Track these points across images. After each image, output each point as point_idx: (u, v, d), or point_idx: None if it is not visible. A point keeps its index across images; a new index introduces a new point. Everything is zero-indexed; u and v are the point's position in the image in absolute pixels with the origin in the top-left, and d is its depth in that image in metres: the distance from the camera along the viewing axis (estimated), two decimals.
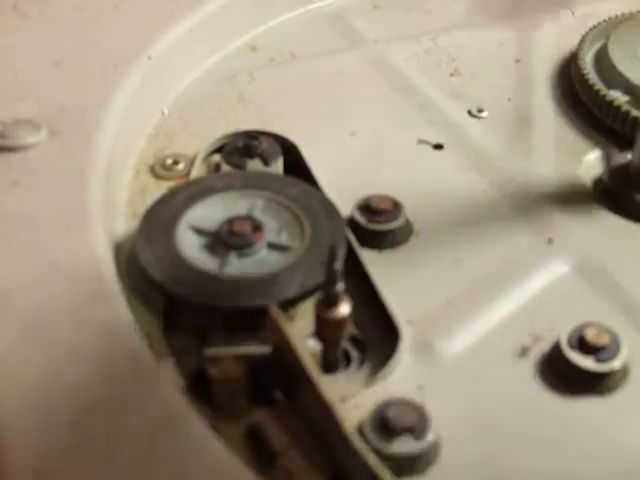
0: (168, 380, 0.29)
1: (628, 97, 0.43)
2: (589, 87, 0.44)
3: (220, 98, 0.46)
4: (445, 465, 0.29)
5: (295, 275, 0.33)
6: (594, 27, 0.48)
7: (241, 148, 0.40)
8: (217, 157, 0.42)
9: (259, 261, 0.34)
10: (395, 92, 0.46)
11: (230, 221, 0.35)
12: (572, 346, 0.31)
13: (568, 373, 0.31)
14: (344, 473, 0.29)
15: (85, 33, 0.45)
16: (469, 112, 0.45)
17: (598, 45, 0.47)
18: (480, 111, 0.45)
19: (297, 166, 0.41)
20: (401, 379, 0.32)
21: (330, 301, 0.30)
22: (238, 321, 0.32)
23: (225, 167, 0.40)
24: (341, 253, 0.34)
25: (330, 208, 0.36)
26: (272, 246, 0.35)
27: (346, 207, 0.37)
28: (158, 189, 0.39)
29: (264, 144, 0.40)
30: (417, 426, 0.29)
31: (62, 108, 0.40)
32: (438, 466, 0.29)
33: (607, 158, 0.42)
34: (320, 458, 0.29)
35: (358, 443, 0.28)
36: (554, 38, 0.51)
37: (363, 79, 0.47)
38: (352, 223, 0.37)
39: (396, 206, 0.37)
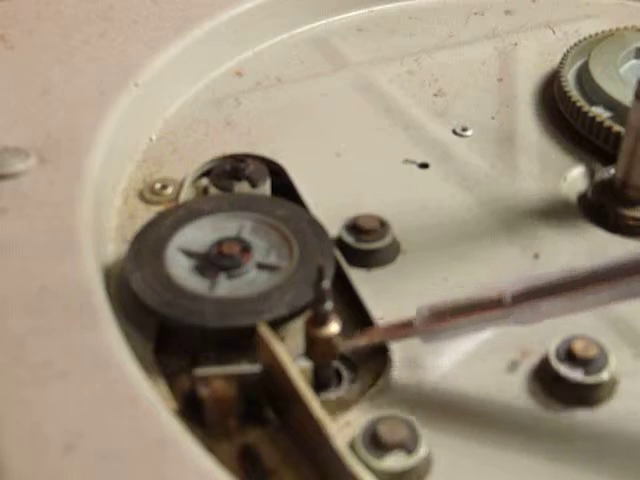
0: (161, 402, 0.29)
1: (610, 113, 0.43)
2: (571, 104, 0.44)
3: (207, 123, 0.46)
4: None
5: (284, 295, 0.33)
6: (575, 45, 0.49)
7: (228, 171, 0.41)
8: (205, 181, 0.42)
9: (249, 281, 0.34)
10: (380, 113, 0.47)
11: (219, 243, 0.35)
12: (561, 359, 0.32)
13: (557, 386, 0.32)
14: None
15: (72, 61, 0.45)
16: (454, 131, 0.45)
17: (580, 62, 0.47)
18: (464, 130, 0.45)
19: (284, 188, 0.41)
20: (392, 396, 0.32)
21: (319, 320, 0.31)
22: (229, 341, 0.33)
23: (213, 190, 0.40)
24: (329, 272, 0.34)
25: (318, 228, 0.37)
26: (261, 266, 0.35)
27: (334, 227, 0.37)
28: (147, 214, 0.39)
29: (251, 167, 0.41)
30: (408, 441, 0.29)
31: (50, 136, 0.40)
32: None
33: (591, 173, 0.42)
34: (313, 476, 0.29)
35: (350, 460, 0.28)
36: (536, 56, 0.51)
37: (348, 101, 0.48)
38: (340, 243, 0.37)
39: (383, 225, 0.38)
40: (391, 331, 0.32)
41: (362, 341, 0.33)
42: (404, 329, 0.32)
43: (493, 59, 0.51)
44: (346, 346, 0.32)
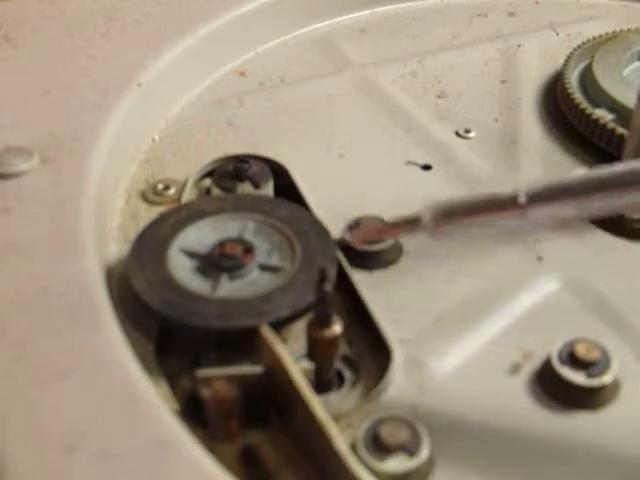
0: (163, 403, 0.29)
1: (613, 115, 0.43)
2: (575, 106, 0.44)
3: (210, 123, 0.46)
4: None
5: (286, 296, 0.33)
6: (579, 47, 0.49)
7: (231, 172, 0.40)
8: (208, 181, 0.42)
9: (251, 282, 0.34)
10: (383, 114, 0.47)
11: (221, 244, 0.35)
12: (563, 362, 0.32)
13: (560, 389, 0.32)
14: None
15: (75, 61, 0.45)
16: (456, 133, 0.45)
17: (583, 65, 0.47)
18: (467, 132, 0.45)
19: (287, 189, 0.41)
20: (394, 397, 0.32)
21: (321, 321, 0.31)
22: (231, 342, 0.33)
23: (216, 191, 0.40)
24: (331, 274, 0.34)
25: (320, 229, 0.37)
26: (263, 267, 0.35)
27: (336, 228, 0.37)
28: (150, 214, 0.39)
29: (254, 167, 0.41)
30: (410, 443, 0.29)
31: (53, 135, 0.40)
32: None
33: None
34: (314, 478, 0.29)
35: (352, 461, 0.28)
36: (539, 58, 0.51)
37: (351, 102, 0.48)
38: (342, 244, 0.37)
39: None
40: (397, 228, 0.31)
41: (366, 236, 0.32)
42: (411, 226, 0.30)
43: (496, 61, 0.51)
44: (351, 240, 0.31)
